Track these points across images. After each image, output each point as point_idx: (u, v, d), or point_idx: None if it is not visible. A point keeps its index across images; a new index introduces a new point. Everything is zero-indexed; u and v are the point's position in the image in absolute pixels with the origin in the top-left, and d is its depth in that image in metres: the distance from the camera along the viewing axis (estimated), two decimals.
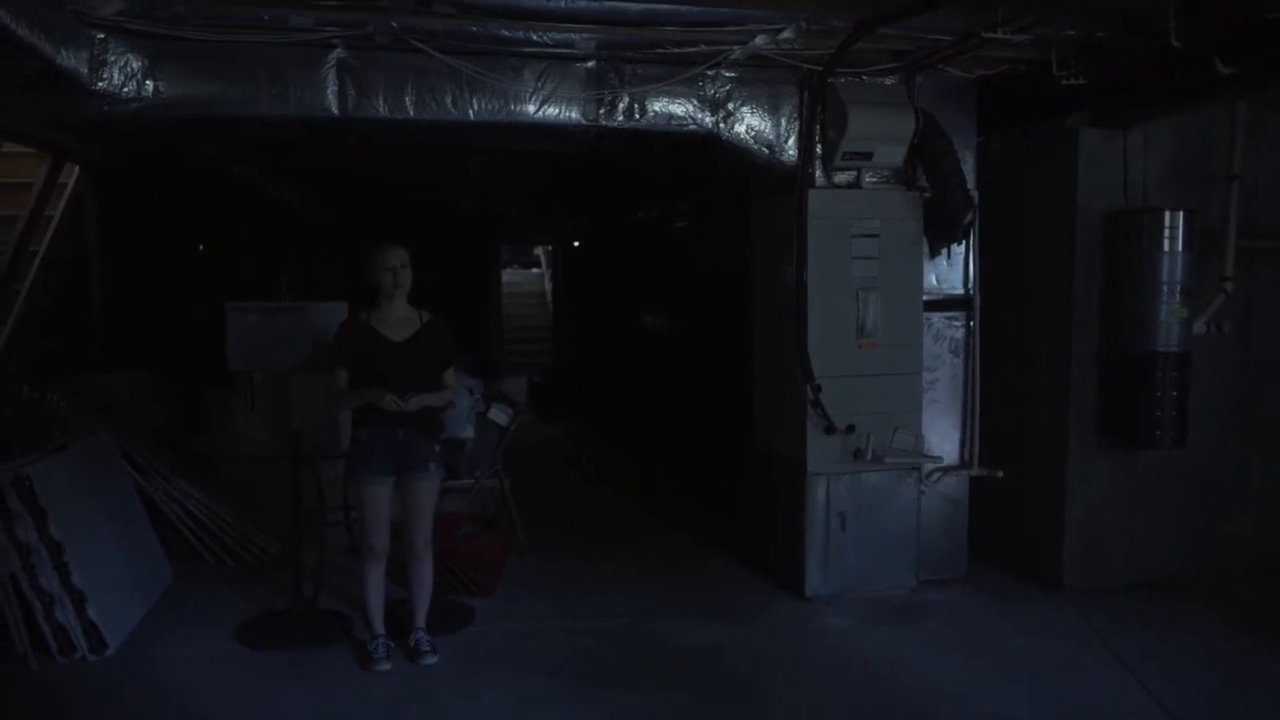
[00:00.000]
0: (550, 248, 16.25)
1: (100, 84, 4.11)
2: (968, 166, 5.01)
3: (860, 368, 4.93)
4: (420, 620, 4.34)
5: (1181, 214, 4.78)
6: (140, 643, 4.42)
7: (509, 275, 17.04)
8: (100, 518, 4.72)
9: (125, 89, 4.19)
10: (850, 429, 4.87)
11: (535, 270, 18.53)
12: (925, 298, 5.11)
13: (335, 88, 4.40)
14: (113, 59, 4.14)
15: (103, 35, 4.08)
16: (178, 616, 4.76)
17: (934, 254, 5.15)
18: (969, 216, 4.90)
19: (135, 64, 4.19)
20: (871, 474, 5.03)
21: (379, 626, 4.28)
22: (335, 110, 4.42)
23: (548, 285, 16.98)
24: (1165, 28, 3.61)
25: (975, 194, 4.99)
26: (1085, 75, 4.35)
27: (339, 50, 4.36)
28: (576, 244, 13.53)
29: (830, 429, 4.85)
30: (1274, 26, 3.46)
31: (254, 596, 5.00)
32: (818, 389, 4.81)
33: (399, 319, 4.26)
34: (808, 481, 4.97)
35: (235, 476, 5.96)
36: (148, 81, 4.23)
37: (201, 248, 9.66)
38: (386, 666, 4.18)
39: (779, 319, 5.11)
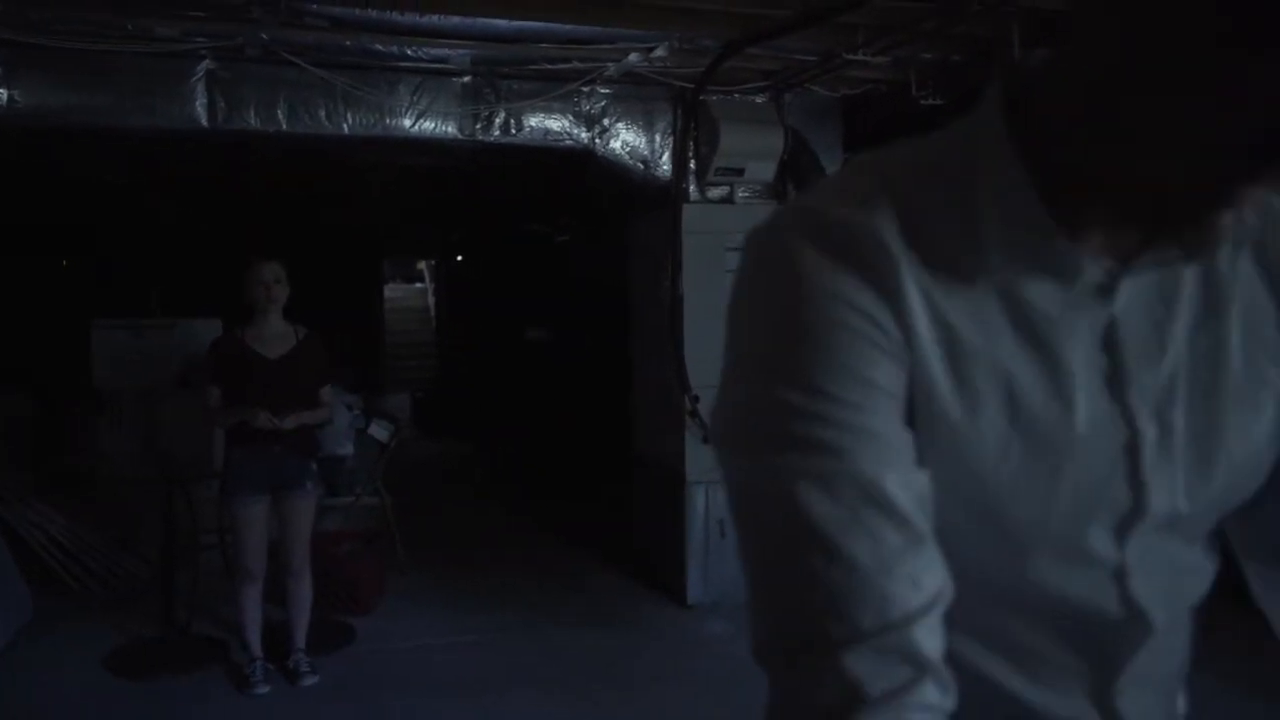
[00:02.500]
0: (434, 262, 16.10)
1: None
2: None
3: None
4: (299, 641, 4.27)
5: None
6: (1, 676, 4.22)
7: (392, 290, 16.79)
8: None
9: None
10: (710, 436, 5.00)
11: (419, 285, 18.32)
12: None
13: (205, 100, 4.32)
14: None
15: None
16: (42, 648, 4.56)
17: None
18: None
19: None
20: None
21: (256, 649, 4.20)
22: (205, 123, 4.34)
23: (431, 300, 16.80)
24: (1011, 54, 3.86)
25: None
26: (943, 96, 4.59)
27: (208, 61, 4.28)
28: (460, 258, 13.46)
29: (708, 438, 4.97)
30: None
31: (125, 624, 4.82)
32: (696, 399, 4.93)
33: (274, 335, 4.20)
34: (687, 490, 5.08)
35: (103, 498, 5.74)
36: (2, 90, 4.07)
37: (65, 262, 9.28)
38: (265, 689, 4.10)
39: (657, 331, 5.22)
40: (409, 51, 4.29)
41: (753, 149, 4.95)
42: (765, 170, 5.04)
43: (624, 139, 4.96)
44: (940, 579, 0.68)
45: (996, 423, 0.70)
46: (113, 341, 5.22)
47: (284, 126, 4.43)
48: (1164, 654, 0.80)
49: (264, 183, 7.84)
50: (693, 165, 5.06)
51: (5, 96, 4.08)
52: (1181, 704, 0.89)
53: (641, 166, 5.02)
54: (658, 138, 5.03)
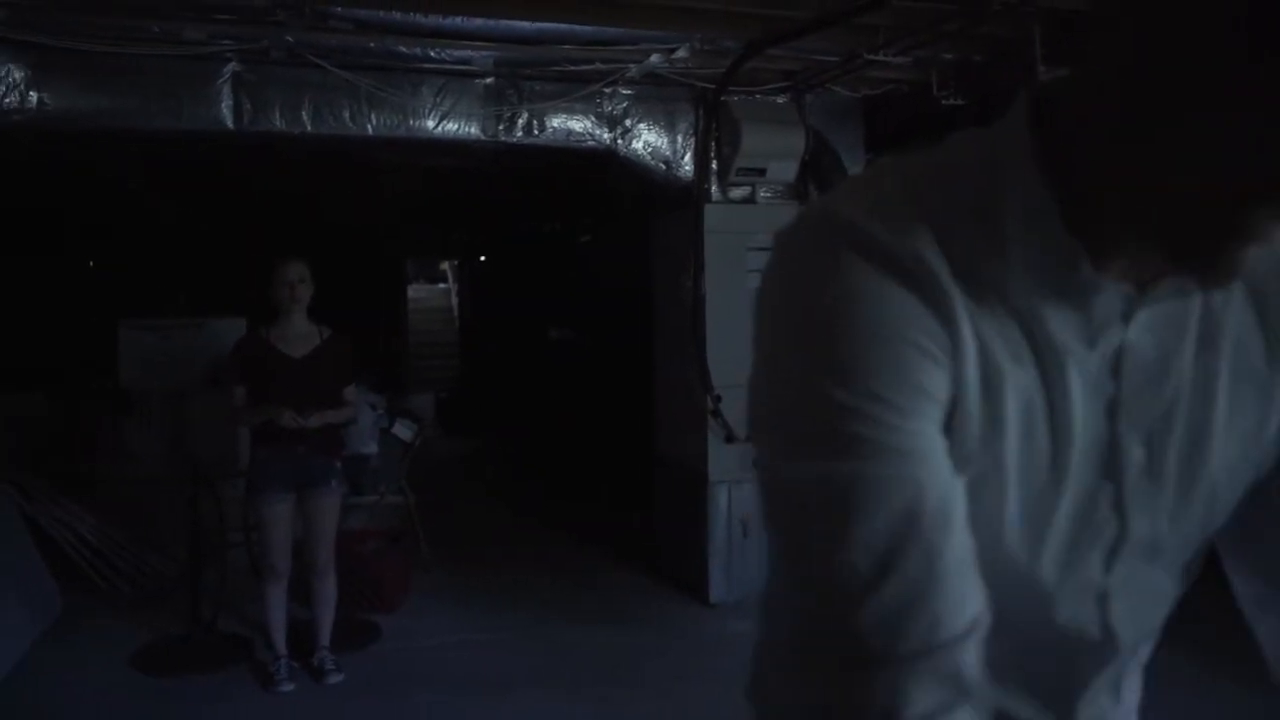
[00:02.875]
0: (457, 263, 16.16)
1: None
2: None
3: None
4: (324, 639, 4.30)
5: None
6: (28, 674, 4.26)
7: (415, 291, 16.86)
8: None
9: (7, 100, 4.06)
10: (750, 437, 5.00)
11: (442, 285, 18.38)
12: None
13: (230, 102, 4.36)
14: None
15: None
16: (70, 645, 4.62)
17: None
18: None
19: (17, 75, 4.07)
20: None
21: (281, 647, 4.23)
22: (230, 124, 4.37)
23: (455, 300, 16.86)
24: (1032, 54, 3.84)
25: None
26: (964, 96, 4.57)
27: (234, 64, 4.32)
28: (483, 259, 13.51)
29: (730, 438, 4.97)
30: None
31: (151, 622, 4.87)
32: (718, 399, 4.93)
33: (298, 335, 4.23)
34: (709, 490, 5.08)
35: (129, 498, 5.80)
36: (31, 93, 4.11)
37: (91, 264, 9.38)
38: (290, 687, 4.13)
39: (679, 331, 5.22)
40: (432, 53, 4.32)
41: (774, 149, 4.95)
42: (787, 170, 5.04)
43: (646, 139, 4.96)
44: (982, 600, 0.67)
45: (1013, 447, 0.70)
46: (139, 342, 5.26)
47: (308, 128, 4.46)
48: (1124, 669, 0.84)
49: (288, 184, 7.90)
50: (714, 166, 5.06)
51: (35, 99, 4.13)
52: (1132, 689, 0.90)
53: (663, 167, 5.03)
54: (679, 138, 5.03)
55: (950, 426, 0.68)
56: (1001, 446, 0.69)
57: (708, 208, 5.01)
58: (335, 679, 4.20)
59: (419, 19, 4.08)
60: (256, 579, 4.58)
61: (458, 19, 4.03)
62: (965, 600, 0.66)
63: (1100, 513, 0.73)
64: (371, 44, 4.20)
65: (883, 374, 0.66)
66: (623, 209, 6.70)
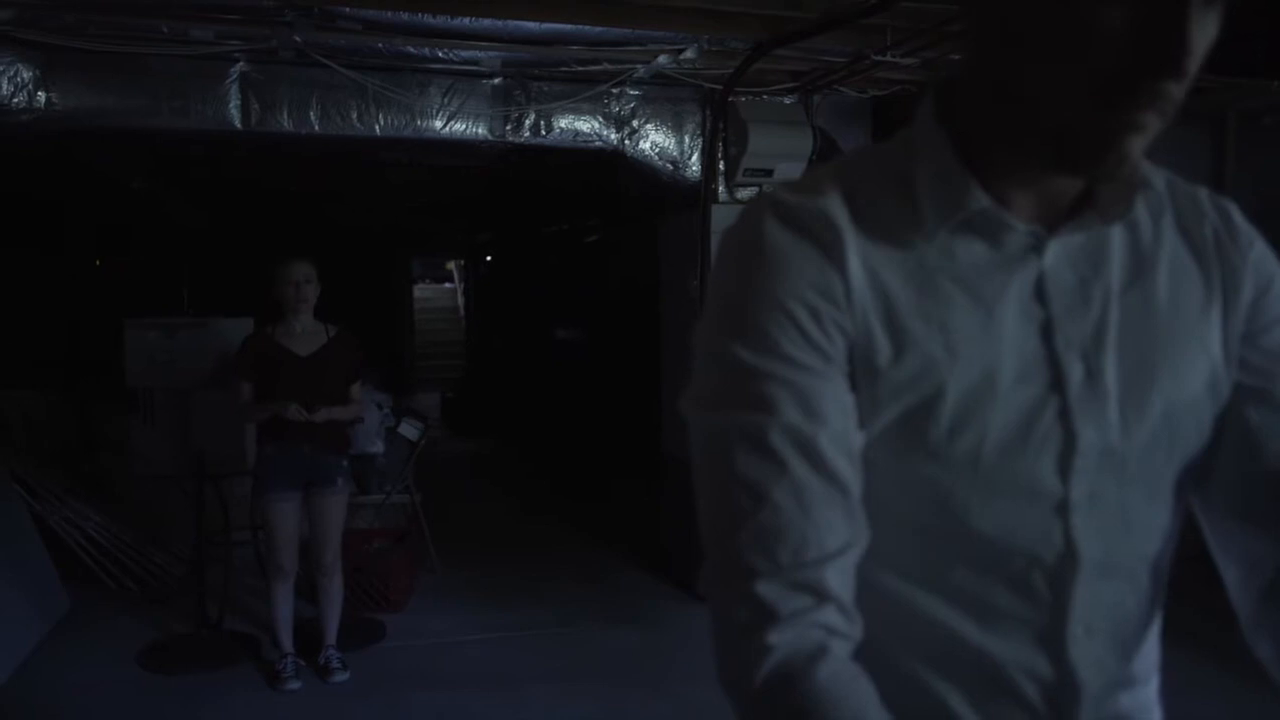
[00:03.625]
0: (463, 262, 16.18)
1: None
2: None
3: None
4: (330, 638, 4.31)
5: None
6: (34, 672, 4.28)
7: (421, 290, 16.88)
8: None
9: (15, 100, 4.09)
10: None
11: (448, 285, 18.40)
12: None
13: (238, 101, 4.37)
14: (0, 69, 4.04)
15: None
16: (77, 643, 4.63)
17: None
18: None
19: (25, 74, 4.10)
20: None
21: (287, 645, 4.24)
22: (238, 124, 4.39)
23: (460, 300, 16.88)
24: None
25: None
26: None
27: (242, 64, 4.33)
28: (489, 258, 13.52)
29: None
30: None
31: (157, 620, 4.89)
32: None
33: (304, 333, 4.23)
34: None
35: (135, 497, 5.82)
36: (39, 93, 4.14)
37: (98, 262, 9.40)
38: (296, 685, 4.14)
39: (685, 330, 5.20)
40: (440, 54, 4.32)
41: (781, 150, 4.95)
42: (794, 171, 5.03)
43: (653, 140, 4.97)
44: (856, 529, 0.78)
45: (929, 360, 0.79)
46: (146, 340, 5.27)
47: (316, 128, 4.47)
48: (1112, 604, 0.85)
49: (296, 183, 7.91)
50: (722, 166, 5.06)
51: (43, 98, 4.15)
52: (1147, 675, 0.91)
53: (671, 167, 5.03)
54: (687, 139, 5.04)
55: (858, 374, 0.79)
56: (912, 362, 0.79)
57: (715, 208, 5.01)
58: (341, 677, 4.21)
59: (427, 19, 4.08)
60: (263, 577, 4.59)
61: (465, 19, 4.04)
62: (833, 527, 0.76)
63: (1046, 421, 0.81)
64: (379, 44, 4.21)
65: (776, 334, 0.77)
66: (629, 209, 6.70)
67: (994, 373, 0.80)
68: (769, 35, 4.17)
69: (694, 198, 5.05)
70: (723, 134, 4.99)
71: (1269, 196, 5.24)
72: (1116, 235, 0.85)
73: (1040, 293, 0.82)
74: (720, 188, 5.07)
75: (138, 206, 8.11)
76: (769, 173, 5.01)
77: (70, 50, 4.09)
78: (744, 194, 5.10)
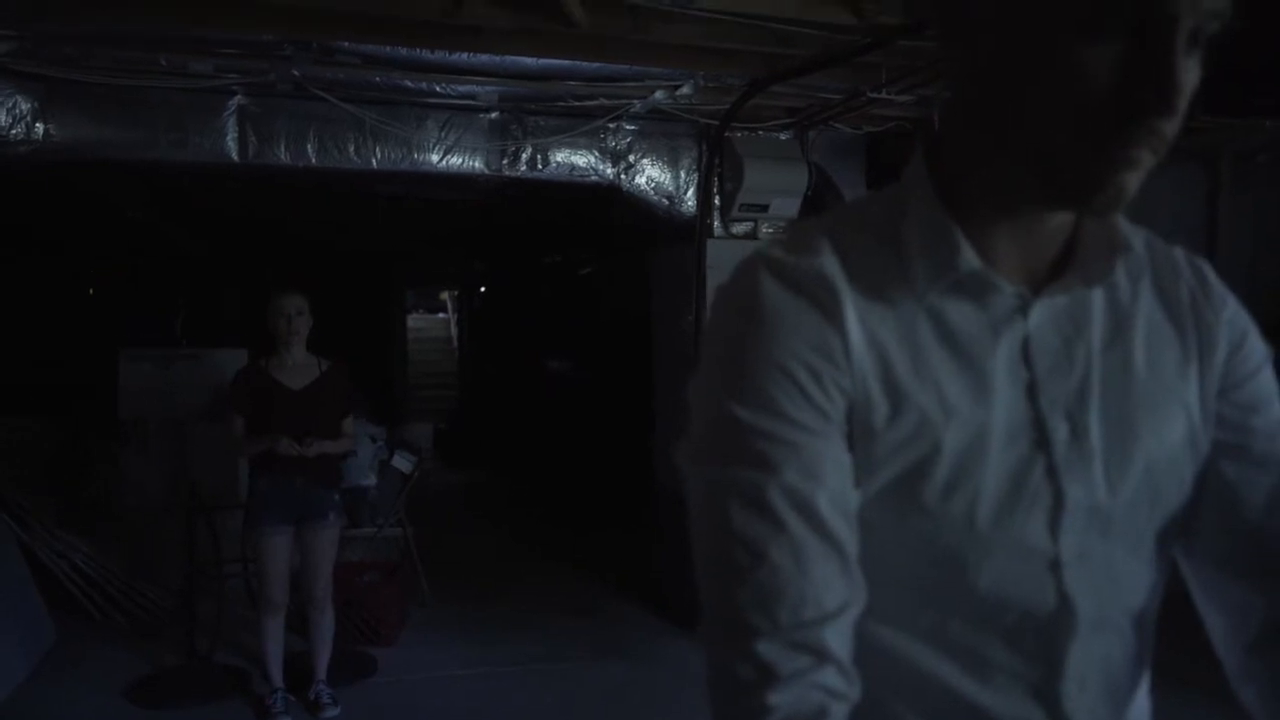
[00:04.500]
0: (457, 293, 16.20)
1: None
2: None
3: None
4: (321, 672, 4.27)
5: None
6: (21, 706, 4.22)
7: (415, 320, 16.90)
8: None
9: (14, 131, 4.10)
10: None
11: (441, 315, 18.42)
12: None
13: (236, 134, 4.39)
14: None
15: None
16: (63, 677, 4.58)
17: None
18: None
19: (24, 106, 4.11)
20: None
21: (278, 679, 4.19)
22: (235, 157, 4.40)
23: (454, 330, 16.89)
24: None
25: None
26: None
27: (240, 97, 4.35)
28: (483, 289, 13.54)
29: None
30: None
31: (146, 653, 4.83)
32: None
33: (297, 366, 4.23)
34: None
35: (127, 528, 5.77)
36: (38, 124, 4.15)
37: (91, 291, 9.39)
38: None
39: (679, 363, 5.22)
40: (437, 88, 4.34)
41: (777, 185, 4.98)
42: (789, 206, 5.06)
43: (649, 175, 4.99)
44: (854, 589, 0.78)
45: (925, 420, 0.80)
46: (140, 371, 5.27)
47: (313, 161, 4.48)
48: (1105, 657, 0.86)
49: (292, 214, 7.93)
50: (717, 201, 5.08)
51: (41, 130, 4.16)
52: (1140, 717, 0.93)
53: (666, 202, 5.05)
54: (682, 174, 5.06)
55: (855, 434, 0.80)
56: (907, 423, 0.80)
57: (710, 243, 5.02)
58: (331, 713, 4.16)
59: (425, 54, 4.11)
60: (254, 610, 4.55)
61: (463, 54, 4.06)
62: (831, 586, 0.77)
63: (1034, 480, 0.82)
64: (377, 78, 4.23)
65: (776, 394, 0.78)
66: (624, 242, 6.73)
67: (986, 432, 0.81)
68: (765, 72, 4.20)
69: (689, 232, 5.07)
70: (718, 169, 5.01)
71: (1263, 235, 5.29)
72: (1097, 296, 0.87)
73: (1025, 354, 0.83)
74: (715, 223, 5.09)
75: (134, 236, 8.11)
76: (764, 208, 5.03)
77: (69, 82, 4.11)
78: (739, 229, 5.13)
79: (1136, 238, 0.87)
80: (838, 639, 0.77)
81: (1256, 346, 0.91)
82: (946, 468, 0.80)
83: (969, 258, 0.81)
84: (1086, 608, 0.84)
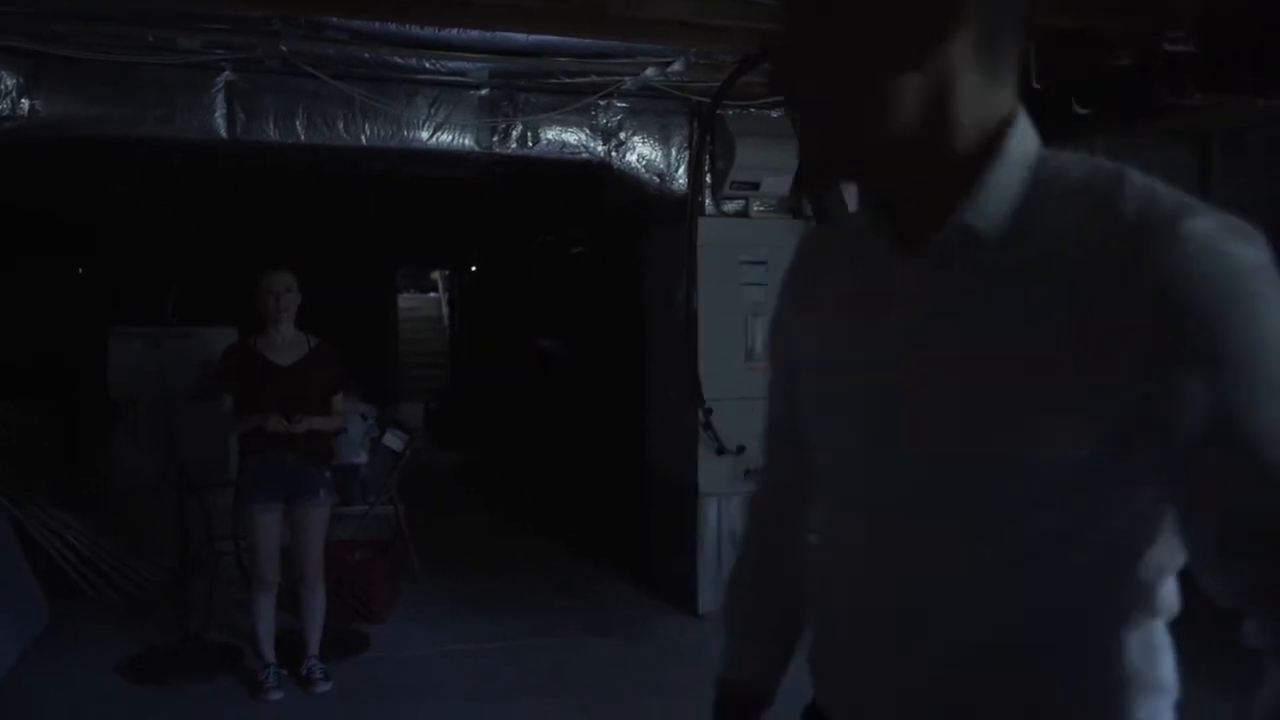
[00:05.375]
0: (448, 272, 16.16)
1: None
2: (849, 196, 5.23)
3: (751, 390, 5.05)
4: (313, 648, 4.28)
5: None
6: (15, 683, 4.23)
7: (406, 300, 16.87)
8: None
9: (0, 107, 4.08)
10: (741, 450, 5.00)
11: (433, 295, 18.39)
12: None
13: (224, 110, 4.36)
14: None
15: None
16: (57, 653, 4.59)
17: None
18: None
19: (10, 81, 4.07)
20: None
21: (270, 655, 4.21)
22: (224, 133, 4.37)
23: (445, 310, 16.86)
24: (1026, 70, 3.86)
25: None
26: None
27: (228, 73, 4.32)
28: (474, 269, 13.51)
29: (721, 450, 4.97)
30: (1122, 73, 3.76)
31: (139, 630, 4.85)
32: (709, 411, 4.93)
33: (286, 343, 4.22)
34: (699, 502, 5.08)
35: (118, 506, 5.77)
36: (24, 100, 4.11)
37: (80, 270, 9.34)
38: (278, 695, 4.11)
39: (671, 343, 5.23)
40: (427, 64, 4.33)
41: (768, 163, 4.96)
42: (780, 184, 5.05)
43: (640, 152, 4.98)
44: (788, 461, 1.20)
45: (822, 345, 1.06)
46: (130, 350, 5.25)
47: (302, 138, 4.46)
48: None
49: (281, 192, 7.89)
50: (708, 179, 5.07)
51: (28, 106, 4.12)
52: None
53: (657, 180, 5.04)
54: (674, 151, 5.05)
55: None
56: (815, 371, 1.07)
57: (701, 221, 5.02)
58: (323, 688, 4.19)
59: (414, 30, 4.09)
60: (245, 588, 4.56)
61: (453, 30, 4.04)
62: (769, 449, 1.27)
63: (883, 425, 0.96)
64: (366, 54, 4.21)
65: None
66: (616, 221, 6.71)
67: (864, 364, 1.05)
68: (756, 49, 4.19)
69: (680, 210, 5.06)
70: (710, 147, 5.00)
71: (1254, 214, 5.29)
72: (975, 273, 0.89)
73: (908, 307, 0.95)
74: (707, 200, 5.09)
75: (122, 214, 8.06)
76: (756, 185, 5.03)
77: (55, 58, 4.07)
78: (730, 207, 5.12)
79: (984, 219, 0.88)
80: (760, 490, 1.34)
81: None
82: (823, 384, 1.08)
83: (871, 232, 1.03)
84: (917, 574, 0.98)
